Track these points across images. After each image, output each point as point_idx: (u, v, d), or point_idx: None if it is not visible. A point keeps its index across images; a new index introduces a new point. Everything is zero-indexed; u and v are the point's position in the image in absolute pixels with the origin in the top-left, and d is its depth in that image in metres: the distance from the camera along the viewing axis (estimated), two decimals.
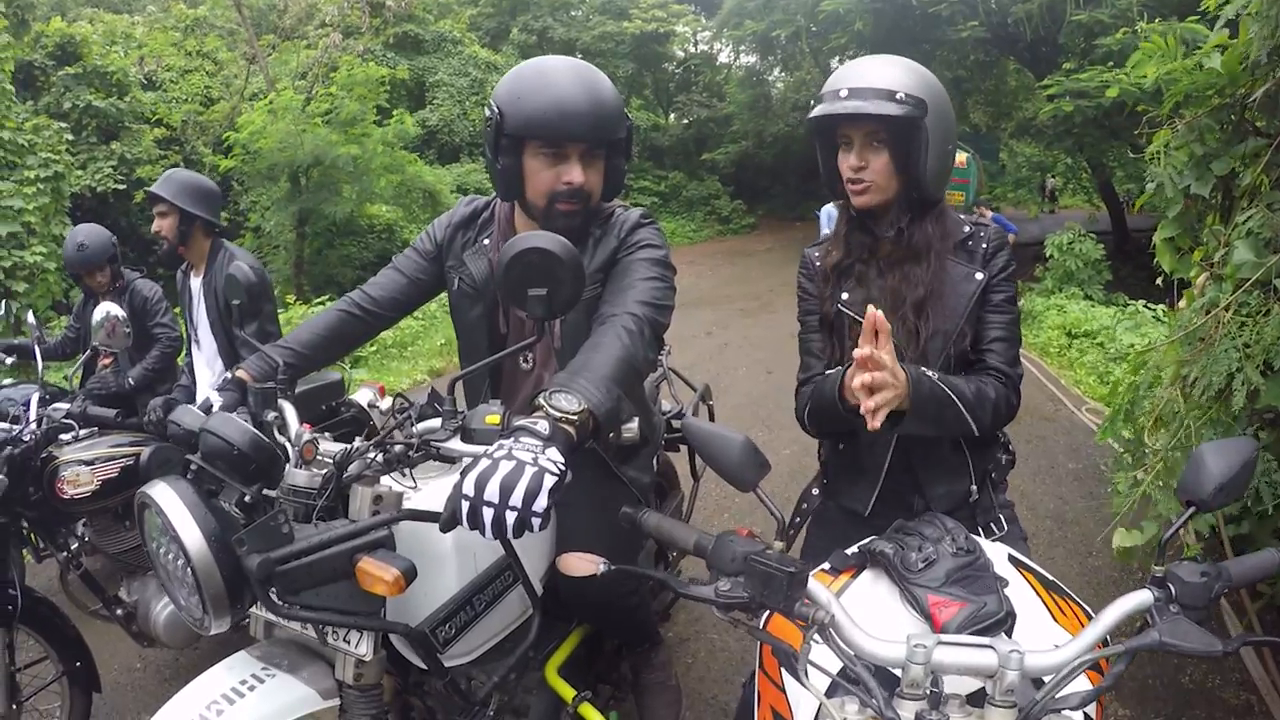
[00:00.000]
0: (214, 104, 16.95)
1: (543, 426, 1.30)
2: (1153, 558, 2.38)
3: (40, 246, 9.27)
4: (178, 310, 3.91)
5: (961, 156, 7.79)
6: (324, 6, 16.45)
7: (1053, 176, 21.37)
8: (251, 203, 15.18)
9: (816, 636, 1.07)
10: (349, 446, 1.58)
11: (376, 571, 1.40)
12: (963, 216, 1.86)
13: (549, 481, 1.21)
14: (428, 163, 18.29)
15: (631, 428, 1.45)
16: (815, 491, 2.04)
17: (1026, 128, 17.06)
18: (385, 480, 1.62)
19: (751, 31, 21.30)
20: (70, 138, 11.51)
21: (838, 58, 23.02)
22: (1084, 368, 8.08)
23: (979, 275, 1.78)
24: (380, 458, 1.56)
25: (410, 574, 1.41)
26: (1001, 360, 1.76)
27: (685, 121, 28.44)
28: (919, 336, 1.75)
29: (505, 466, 1.21)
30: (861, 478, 1.89)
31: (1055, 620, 1.26)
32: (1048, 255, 11.86)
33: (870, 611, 1.20)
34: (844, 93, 1.70)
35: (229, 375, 1.90)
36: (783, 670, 1.24)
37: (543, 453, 1.25)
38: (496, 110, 1.81)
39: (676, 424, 2.94)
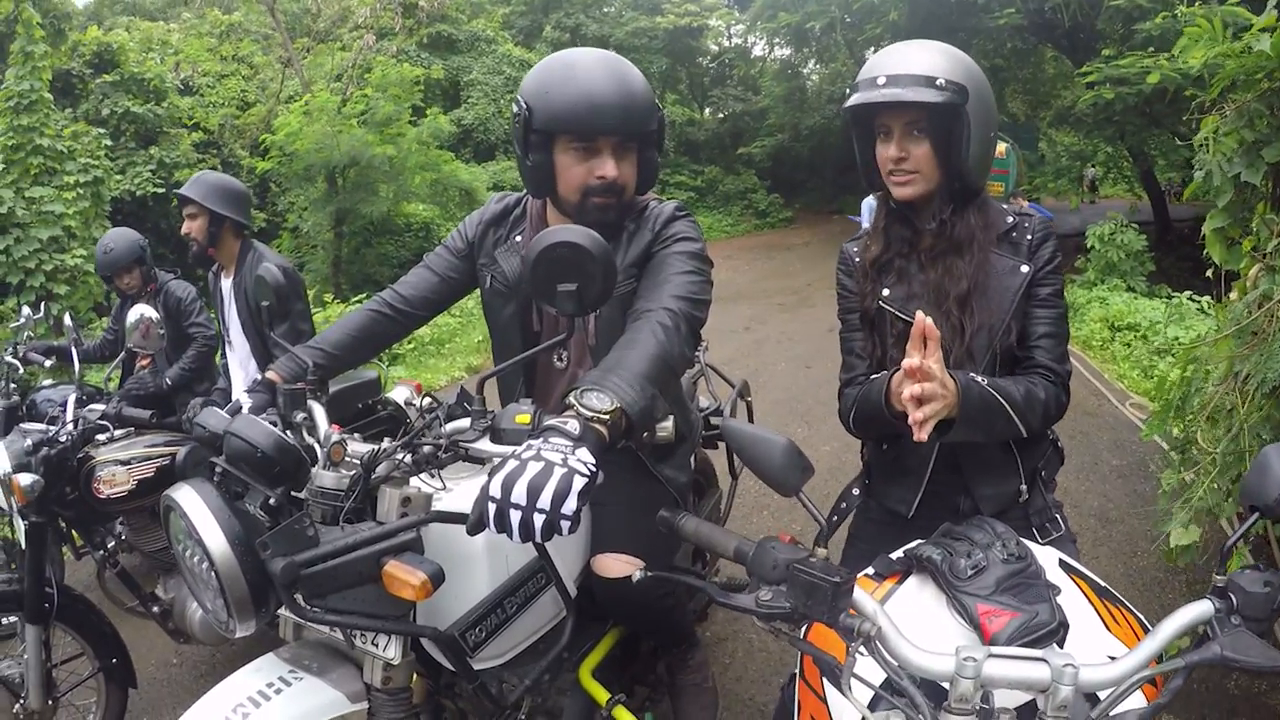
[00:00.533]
0: (250, 107, 17.18)
1: (573, 426, 1.26)
2: (1199, 557, 2.29)
3: (81, 250, 9.42)
4: (211, 312, 3.94)
5: (1001, 147, 7.69)
6: (357, 9, 16.56)
7: (1093, 166, 20.99)
8: (289, 203, 15.35)
9: (861, 649, 1.03)
10: (376, 447, 1.56)
11: (403, 575, 1.37)
12: (1005, 206, 1.80)
13: (579, 483, 1.16)
14: (464, 161, 18.39)
15: (666, 426, 1.40)
16: (856, 491, 1.98)
17: (1065, 116, 16.77)
18: (414, 481, 1.59)
19: (786, 24, 21.14)
20: (109, 143, 11.71)
21: (872, 48, 22.81)
22: (1127, 361, 7.91)
23: (1024, 268, 1.72)
24: (409, 459, 1.53)
25: (438, 578, 1.38)
26: (1050, 357, 1.70)
27: (720, 116, 28.38)
28: (964, 332, 1.69)
29: (533, 468, 1.17)
30: (905, 479, 1.84)
31: (1109, 630, 1.21)
32: (1089, 246, 11.62)
33: (916, 620, 1.15)
34: (881, 80, 1.63)
35: (259, 377, 1.89)
36: (824, 680, 1.20)
37: (572, 453, 1.20)
38: (525, 106, 1.78)
39: (715, 421, 2.91)
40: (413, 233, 15.93)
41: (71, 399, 3.02)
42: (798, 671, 1.34)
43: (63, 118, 11.43)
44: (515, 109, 1.82)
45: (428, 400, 1.71)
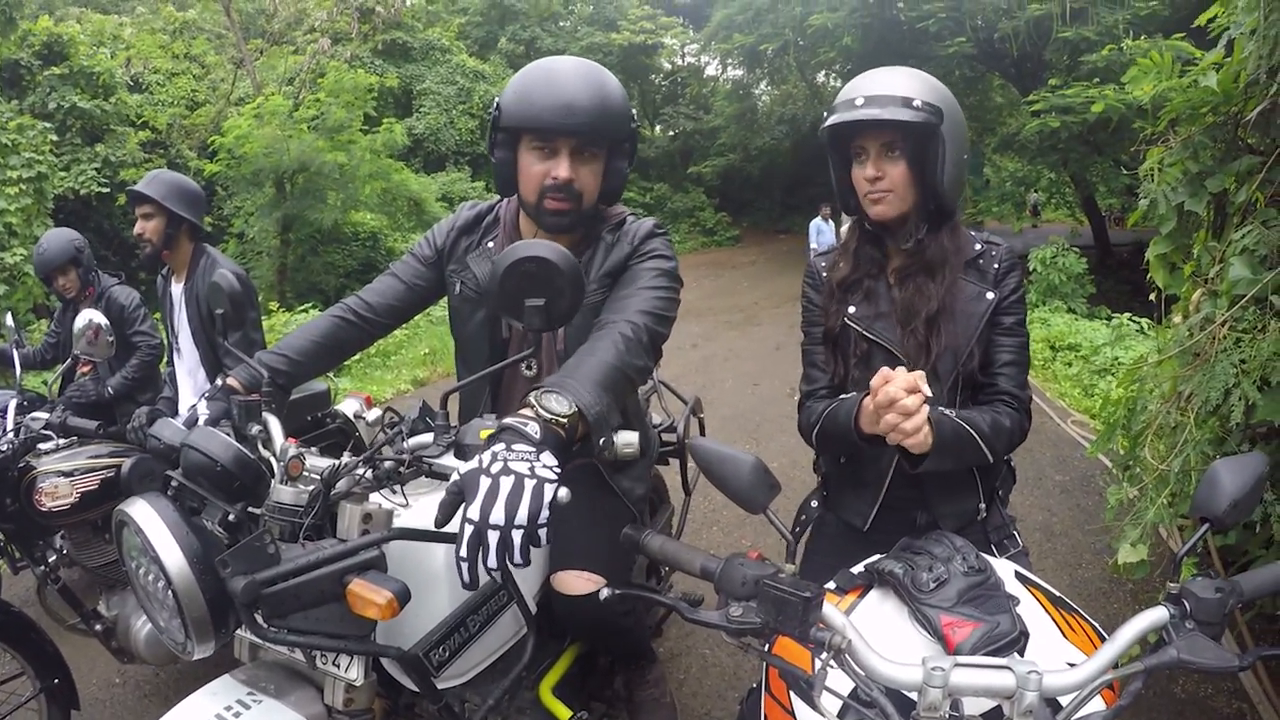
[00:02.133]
0: (200, 107, 16.87)
1: (533, 429, 1.26)
2: (1147, 572, 2.34)
3: (21, 248, 9.16)
4: (157, 316, 3.81)
5: None
6: (313, 12, 16.41)
7: (1036, 191, 21.53)
8: (235, 208, 15.13)
9: (832, 661, 1.04)
10: (337, 462, 1.52)
11: (368, 594, 1.33)
12: (972, 234, 1.84)
13: (548, 492, 1.16)
14: (413, 171, 18.26)
15: (631, 442, 1.40)
16: (814, 504, 2.01)
17: (1010, 142, 17.18)
18: (375, 497, 1.55)
19: (739, 45, 21.40)
20: (54, 138, 11.41)
21: (824, 72, 23.22)
22: (1068, 380, 8.12)
23: (990, 295, 1.76)
24: (370, 474, 1.50)
25: (404, 596, 1.35)
26: (1013, 384, 1.74)
27: (671, 134, 28.58)
28: (929, 351, 1.72)
29: (506, 484, 1.15)
30: (862, 491, 1.86)
31: (1066, 637, 1.24)
32: (1031, 269, 11.94)
33: (880, 633, 1.17)
34: (860, 101, 1.66)
35: (219, 383, 1.84)
36: (791, 693, 1.21)
37: (537, 459, 1.20)
38: (497, 105, 1.82)
39: (668, 437, 2.92)
40: (360, 242, 15.79)
41: (12, 405, 2.93)
42: (763, 685, 1.35)
43: (8, 109, 11.14)
44: (491, 109, 1.85)
45: (388, 414, 1.69)
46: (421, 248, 2.07)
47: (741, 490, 1.21)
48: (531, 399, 1.35)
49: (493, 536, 1.13)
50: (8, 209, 9.23)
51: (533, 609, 1.88)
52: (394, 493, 1.55)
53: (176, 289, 3.46)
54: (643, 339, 1.68)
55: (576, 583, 1.91)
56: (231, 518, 1.44)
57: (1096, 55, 12.46)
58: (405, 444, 1.54)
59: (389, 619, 1.35)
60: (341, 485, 1.49)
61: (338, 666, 1.51)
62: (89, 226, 12.44)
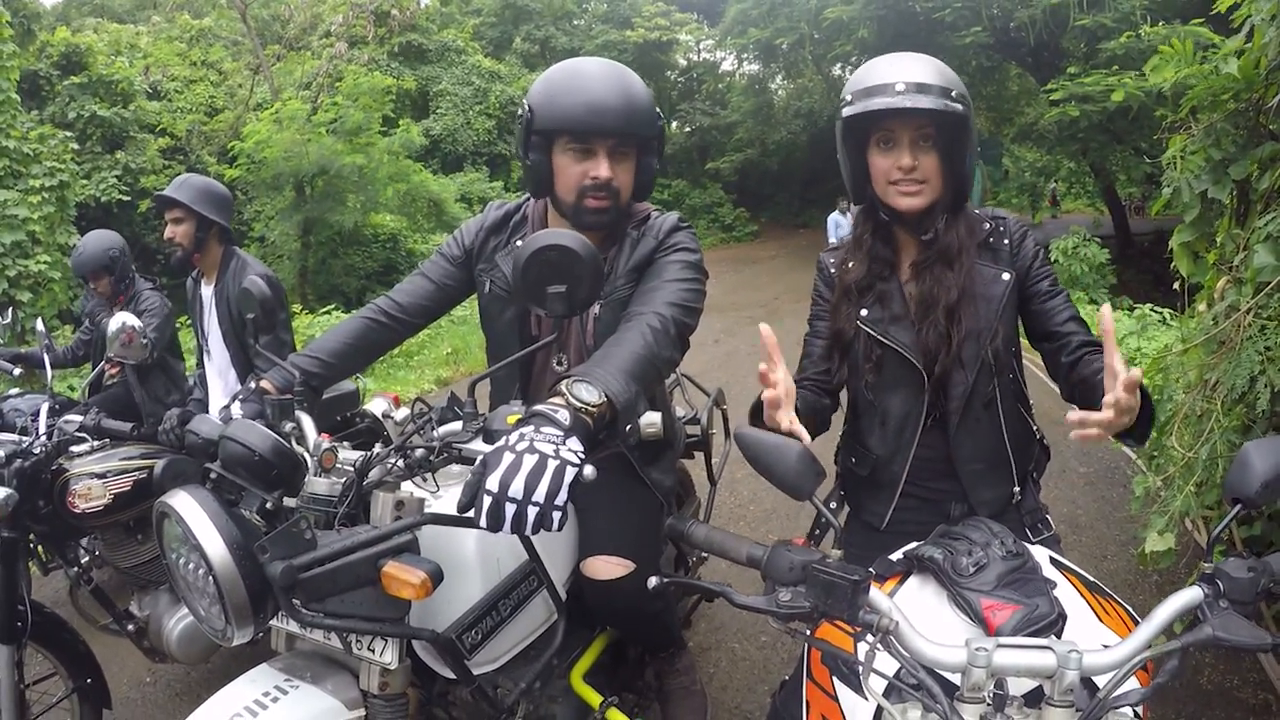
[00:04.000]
0: (219, 114, 17.00)
1: (563, 416, 1.29)
2: (1173, 561, 2.33)
3: (45, 255, 9.26)
4: (185, 319, 3.84)
5: None
6: (328, 17, 16.49)
7: (1055, 182, 21.37)
8: (256, 212, 15.23)
9: (879, 644, 1.06)
10: (369, 453, 1.55)
11: (403, 575, 1.37)
12: (978, 213, 1.81)
13: (570, 473, 1.20)
14: (431, 172, 18.33)
15: (655, 422, 1.42)
16: (832, 504, 2.00)
17: (1028, 132, 17.09)
18: (406, 486, 1.60)
19: (755, 39, 21.38)
20: (75, 147, 11.52)
21: (840, 64, 23.12)
22: None
23: (1006, 276, 1.74)
24: (401, 463, 1.54)
25: (437, 576, 1.39)
26: (1083, 332, 1.74)
27: (688, 130, 28.53)
28: (951, 341, 1.71)
29: (529, 461, 1.19)
30: (878, 493, 1.86)
31: (1101, 620, 1.25)
32: (1052, 260, 11.85)
33: (922, 616, 1.18)
34: (900, 87, 1.60)
35: (251, 385, 1.88)
36: (834, 678, 1.23)
37: (564, 444, 1.23)
38: (528, 108, 1.83)
39: (692, 429, 2.94)
40: (380, 243, 15.86)
41: (44, 408, 2.96)
42: (804, 673, 1.36)
43: (29, 119, 11.25)
44: (519, 111, 1.86)
45: (417, 405, 1.72)
46: (450, 247, 2.10)
47: (788, 477, 1.21)
48: (562, 387, 1.38)
49: (509, 509, 1.18)
50: (31, 217, 9.33)
51: (563, 596, 1.90)
52: (425, 480, 1.59)
53: (206, 291, 3.50)
54: (670, 330, 1.70)
55: (606, 568, 1.93)
56: (269, 505, 1.47)
57: (1115, 42, 12.33)
58: (435, 432, 1.57)
59: (423, 599, 1.39)
60: (374, 475, 1.53)
61: (373, 651, 1.54)
62: None
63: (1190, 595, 1.12)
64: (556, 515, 1.19)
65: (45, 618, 2.64)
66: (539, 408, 1.30)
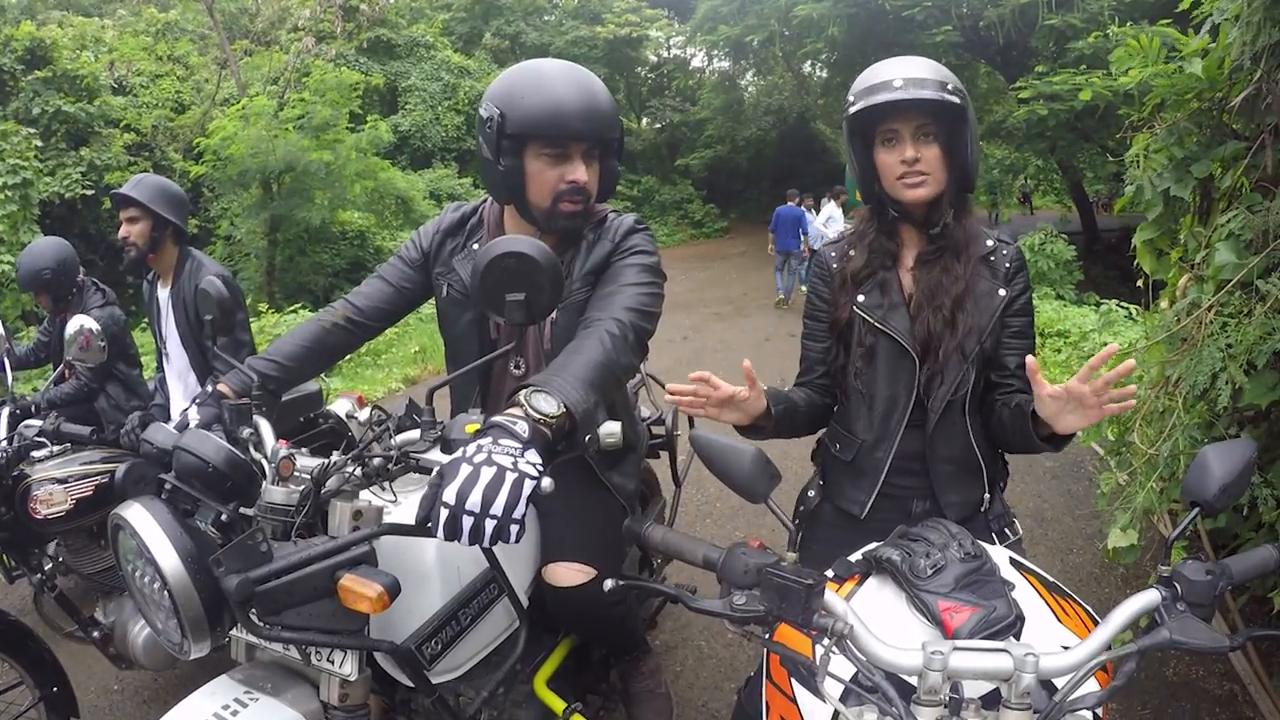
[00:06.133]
0: (185, 110, 16.77)
1: (522, 428, 1.28)
2: (1137, 556, 2.38)
3: (8, 255, 9.12)
4: (145, 322, 3.76)
5: None
6: (297, 10, 16.31)
7: (1025, 179, 21.60)
8: (222, 209, 15.05)
9: (834, 648, 1.06)
10: (326, 461, 1.54)
11: (359, 588, 1.36)
12: (984, 229, 1.87)
13: (528, 487, 1.20)
14: (400, 168, 18.19)
15: (614, 431, 1.41)
16: (811, 493, 2.04)
17: (997, 130, 17.23)
18: (365, 495, 1.58)
19: (725, 36, 21.38)
20: (39, 143, 11.33)
21: (810, 62, 23.21)
22: (1057, 367, 8.14)
23: (1001, 292, 1.79)
24: (359, 472, 1.52)
25: (394, 589, 1.37)
26: (1027, 386, 1.74)
27: (658, 126, 28.54)
28: (956, 328, 1.76)
29: (487, 474, 1.19)
30: (860, 480, 1.89)
31: (1060, 621, 1.26)
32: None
33: (880, 619, 1.18)
34: (898, 83, 1.69)
35: (209, 389, 1.85)
36: (793, 680, 1.22)
37: (521, 456, 1.23)
38: (497, 111, 1.79)
39: (657, 430, 2.94)
40: (348, 241, 15.72)
41: (4, 413, 2.91)
42: (764, 674, 1.36)
43: None
44: (485, 114, 1.82)
45: (375, 413, 1.70)
46: (408, 250, 2.08)
47: (743, 480, 1.23)
48: (520, 398, 1.36)
49: (466, 522, 1.18)
50: None
51: (524, 602, 1.89)
52: (383, 489, 1.57)
53: (163, 293, 3.43)
54: (629, 336, 1.69)
55: (567, 574, 1.93)
56: (224, 518, 1.46)
57: (1083, 42, 12.48)
58: (393, 441, 1.56)
59: (380, 612, 1.37)
60: (332, 483, 1.51)
61: (332, 663, 1.53)
62: (75, 231, 12.34)
63: (1148, 598, 1.13)
64: (514, 529, 1.19)
65: (10, 625, 2.59)
66: (497, 419, 1.30)
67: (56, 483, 2.87)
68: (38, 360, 4.16)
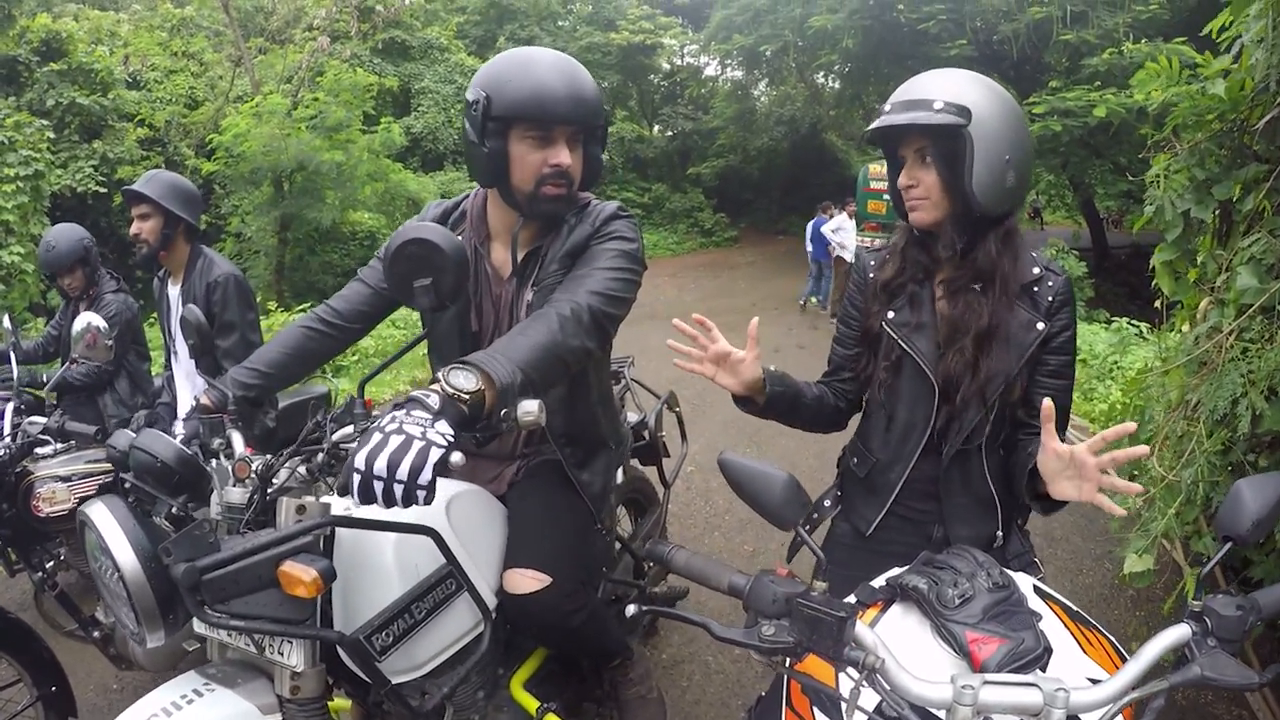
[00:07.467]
0: (198, 106, 16.82)
1: (434, 401, 1.33)
2: (1150, 581, 2.33)
3: (18, 246, 9.11)
4: (155, 317, 3.74)
5: None
6: (311, 10, 16.36)
7: (1037, 195, 21.56)
8: (233, 207, 15.09)
9: (864, 680, 1.03)
10: (270, 459, 1.64)
11: (296, 573, 1.43)
12: (1034, 256, 1.76)
13: (434, 454, 1.25)
14: (411, 170, 18.23)
15: (531, 410, 1.40)
16: (827, 503, 2.00)
17: None
18: (327, 497, 1.65)
19: (739, 46, 21.37)
20: (51, 136, 11.35)
21: (823, 74, 23.21)
22: None
23: (1040, 325, 1.70)
24: (303, 468, 1.62)
25: (328, 574, 1.45)
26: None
27: (670, 134, 28.52)
28: (977, 370, 1.68)
29: (394, 442, 1.25)
30: (871, 499, 1.87)
31: (1085, 653, 1.23)
32: None
33: (905, 648, 1.16)
34: (888, 107, 1.67)
35: (195, 402, 1.99)
36: (814, 708, 1.20)
37: (431, 426, 1.28)
38: (484, 94, 1.80)
39: (643, 433, 2.96)
40: (358, 241, 15.79)
41: (9, 409, 2.90)
42: (784, 700, 1.34)
43: (6, 106, 11.08)
44: (471, 97, 1.83)
45: (318, 409, 1.76)
46: (385, 251, 2.07)
47: (773, 507, 1.22)
48: (440, 374, 1.40)
49: (378, 486, 1.24)
50: (5, 206, 9.18)
51: (490, 603, 1.90)
52: (327, 484, 1.65)
53: (173, 290, 3.39)
54: (583, 318, 1.69)
55: (524, 581, 1.91)
56: (175, 510, 1.58)
57: (1097, 59, 12.47)
58: (331, 437, 1.64)
59: (314, 595, 1.45)
60: (279, 480, 1.61)
61: (282, 655, 1.59)
62: (86, 224, 12.17)
63: (1179, 633, 1.11)
64: (420, 493, 1.24)
65: (9, 623, 2.58)
66: (414, 393, 1.35)
67: (59, 481, 2.86)
68: (46, 355, 4.13)
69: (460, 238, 1.97)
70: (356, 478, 1.24)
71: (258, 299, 10.12)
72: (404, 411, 1.30)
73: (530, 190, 1.85)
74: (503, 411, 1.42)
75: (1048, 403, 1.41)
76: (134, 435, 1.66)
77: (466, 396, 1.36)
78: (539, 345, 1.57)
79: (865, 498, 1.89)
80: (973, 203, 1.63)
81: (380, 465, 1.23)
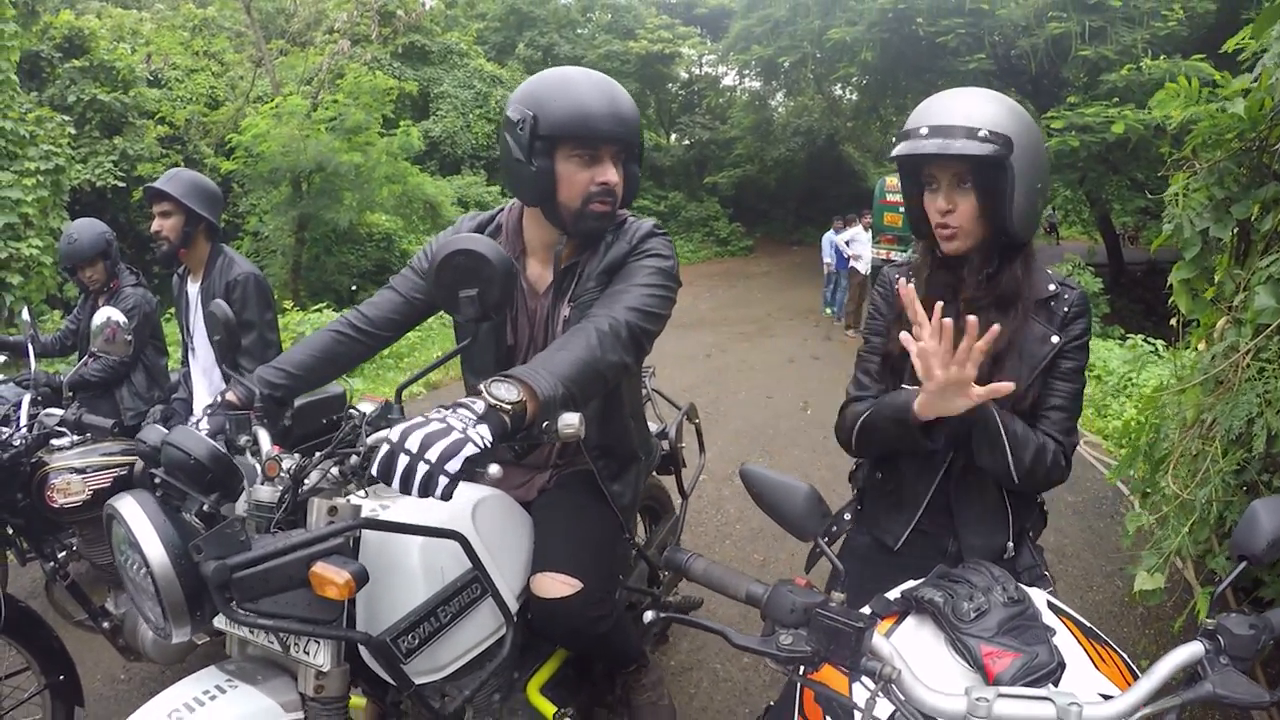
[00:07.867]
0: (219, 105, 16.96)
1: (479, 406, 1.35)
2: (1161, 598, 2.31)
3: (37, 239, 9.15)
4: (172, 312, 3.77)
5: None
6: (333, 13, 16.48)
7: (1054, 210, 21.52)
8: (251, 205, 15.20)
9: (880, 691, 1.04)
10: (305, 460, 1.62)
11: (328, 575, 1.43)
12: (1049, 272, 1.76)
13: (469, 449, 1.26)
14: (429, 174, 18.31)
15: (572, 423, 1.41)
16: (847, 517, 2.00)
17: None
18: (355, 498, 1.64)
19: (757, 56, 21.44)
20: (72, 131, 11.42)
21: (841, 85, 23.22)
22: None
23: (1055, 338, 1.71)
24: (335, 470, 1.60)
25: (361, 577, 1.44)
26: (1056, 429, 1.69)
27: (687, 142, 28.60)
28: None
29: (434, 425, 1.27)
30: (898, 512, 1.85)
31: (1098, 668, 1.23)
32: None
33: (919, 659, 1.17)
34: (924, 130, 1.61)
35: (219, 398, 1.97)
36: (827, 718, 1.20)
37: (473, 425, 1.30)
38: (530, 114, 1.81)
39: (662, 443, 2.97)
40: (374, 243, 15.85)
41: (26, 399, 2.92)
42: (796, 709, 1.34)
43: (28, 101, 11.17)
44: (516, 116, 1.84)
45: (352, 412, 1.75)
46: (420, 261, 2.09)
47: (795, 518, 1.23)
48: (482, 385, 1.42)
49: (402, 461, 1.25)
50: (25, 200, 9.21)
51: (513, 606, 1.90)
52: (360, 487, 1.64)
53: (193, 288, 3.41)
54: (621, 334, 1.71)
55: (554, 586, 1.92)
56: (206, 508, 1.55)
57: (1115, 74, 12.44)
58: (366, 440, 1.62)
59: (346, 597, 1.45)
60: (311, 481, 1.60)
61: (308, 654, 1.59)
62: (104, 219, 12.33)
63: (1191, 650, 1.12)
64: (443, 480, 1.24)
65: (19, 611, 2.58)
66: (459, 400, 1.37)
67: (75, 472, 2.87)
68: (64, 349, 4.17)
69: None
70: (385, 448, 1.26)
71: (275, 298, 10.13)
72: (450, 409, 1.32)
73: (577, 208, 1.87)
74: (544, 424, 1.44)
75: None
76: (165, 431, 1.66)
77: (509, 407, 1.37)
78: (579, 360, 1.59)
79: (890, 511, 1.88)
80: (1011, 231, 1.63)
81: (413, 442, 1.25)
